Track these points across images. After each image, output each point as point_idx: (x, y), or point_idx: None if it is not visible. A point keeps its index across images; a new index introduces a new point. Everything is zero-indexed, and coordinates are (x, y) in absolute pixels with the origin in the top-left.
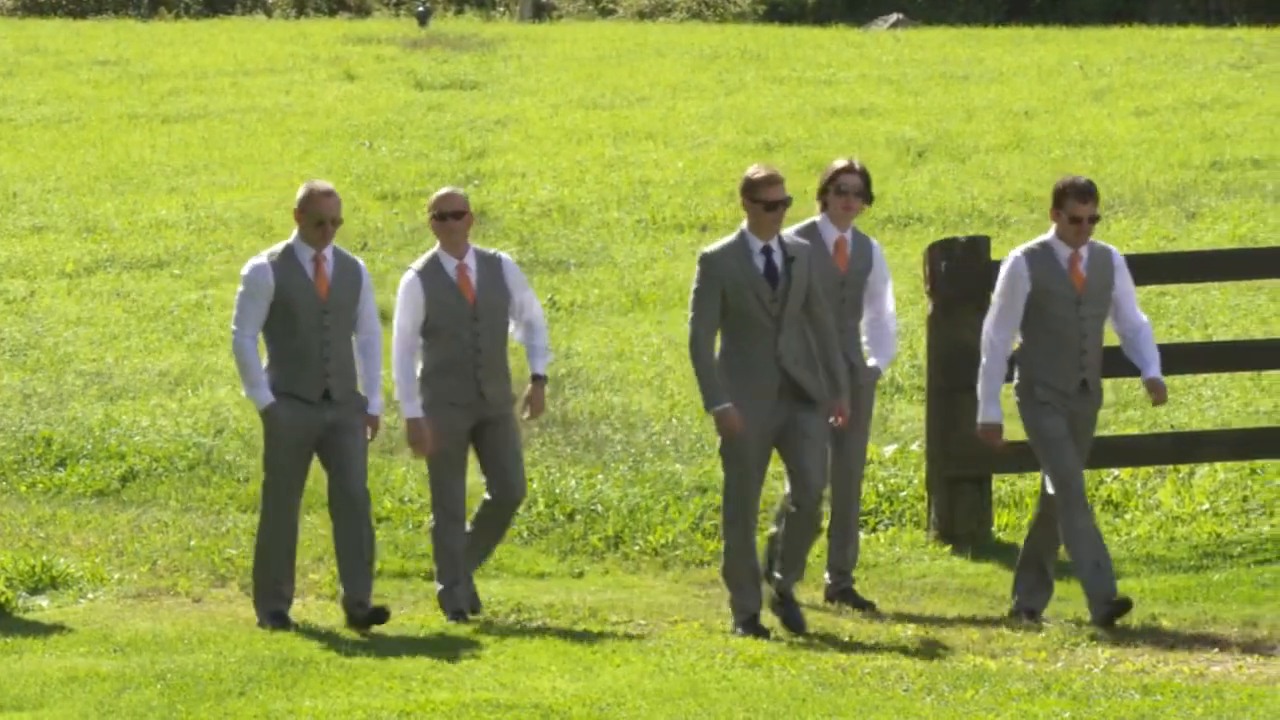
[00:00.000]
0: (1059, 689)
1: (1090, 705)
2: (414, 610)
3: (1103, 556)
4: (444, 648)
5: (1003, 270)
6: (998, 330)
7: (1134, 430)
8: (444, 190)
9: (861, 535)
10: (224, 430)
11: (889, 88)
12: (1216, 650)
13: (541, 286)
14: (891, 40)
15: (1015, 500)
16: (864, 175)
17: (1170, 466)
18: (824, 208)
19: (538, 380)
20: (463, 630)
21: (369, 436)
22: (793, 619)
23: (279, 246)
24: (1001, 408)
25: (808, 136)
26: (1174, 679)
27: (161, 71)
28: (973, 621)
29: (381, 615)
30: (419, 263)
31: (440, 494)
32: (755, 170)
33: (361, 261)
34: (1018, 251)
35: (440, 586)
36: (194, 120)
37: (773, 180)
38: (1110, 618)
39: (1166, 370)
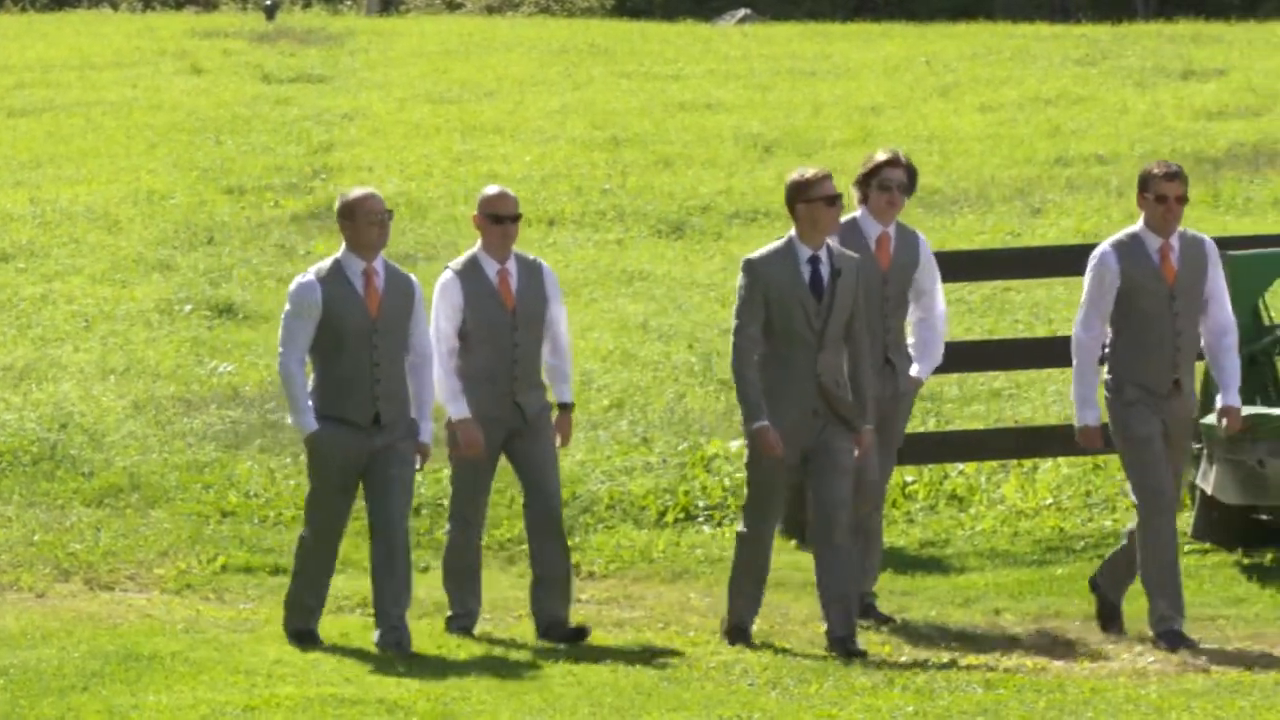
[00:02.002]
0: (903, 683)
1: (934, 699)
2: (259, 605)
3: (1174, 578)
4: (289, 643)
5: (1089, 264)
6: (1086, 329)
7: (979, 425)
8: (496, 190)
9: (707, 529)
10: (68, 425)
11: (736, 83)
12: (1059, 644)
13: None
14: (739, 35)
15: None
16: (909, 169)
17: (1014, 461)
18: (863, 200)
19: (566, 409)
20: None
21: (418, 466)
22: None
23: (326, 262)
24: (1098, 408)
25: (655, 131)
26: (1017, 673)
27: (6, 65)
28: (818, 616)
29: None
30: (457, 263)
31: (461, 504)
32: (804, 170)
33: (414, 277)
34: (1106, 244)
35: (450, 613)
36: (39, 114)
37: (826, 176)
38: (1172, 642)
39: (1010, 365)
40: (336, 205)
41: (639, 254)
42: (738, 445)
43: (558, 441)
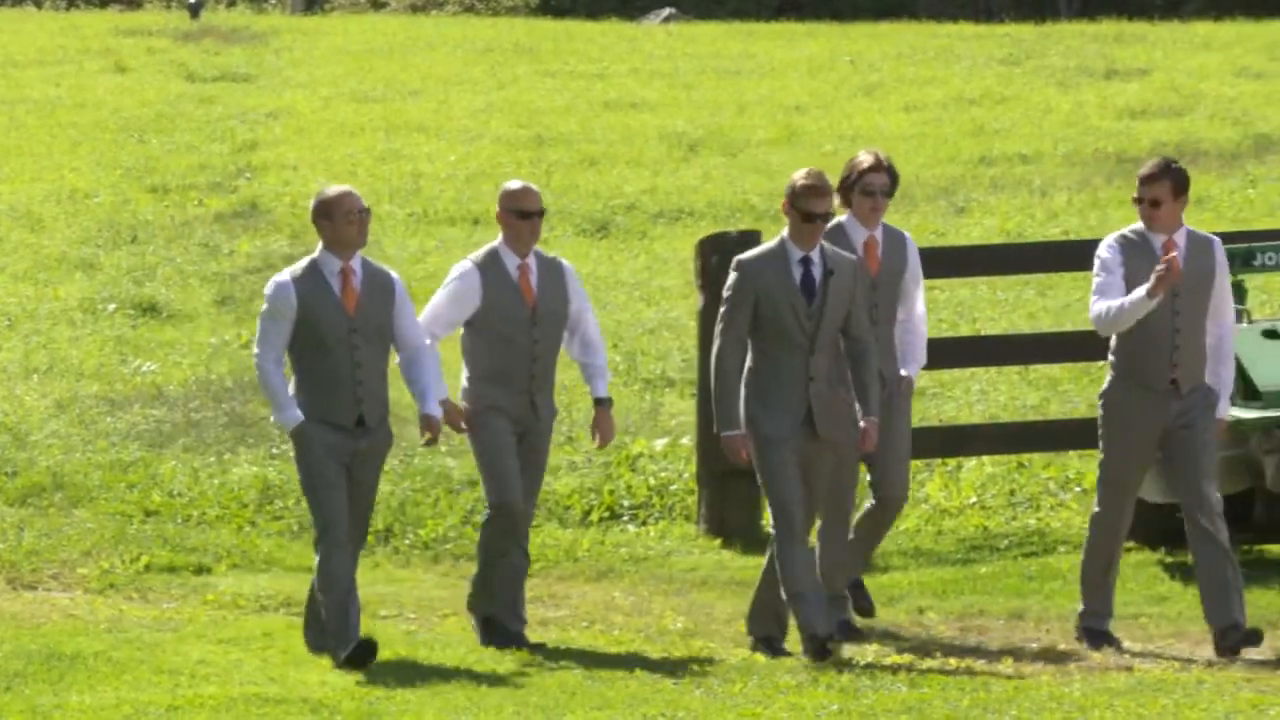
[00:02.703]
0: (827, 681)
1: (858, 697)
2: (182, 604)
3: (1109, 578)
4: (213, 642)
5: (1097, 255)
6: (1102, 301)
7: None
8: (519, 184)
9: (631, 528)
10: None
11: (661, 82)
12: (983, 642)
13: None
14: (664, 34)
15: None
16: (891, 171)
17: (938, 460)
18: (846, 205)
19: (603, 404)
20: (229, 630)
21: (425, 440)
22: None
23: (303, 262)
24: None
25: (580, 130)
26: (941, 671)
27: None
28: (742, 614)
29: (369, 650)
30: (477, 255)
31: (493, 483)
32: (801, 176)
33: (395, 274)
34: (1110, 236)
35: (469, 592)
36: None
37: (817, 191)
38: (1094, 640)
39: (934, 364)
40: (312, 205)
41: (563, 253)
42: (662, 444)
43: (597, 440)
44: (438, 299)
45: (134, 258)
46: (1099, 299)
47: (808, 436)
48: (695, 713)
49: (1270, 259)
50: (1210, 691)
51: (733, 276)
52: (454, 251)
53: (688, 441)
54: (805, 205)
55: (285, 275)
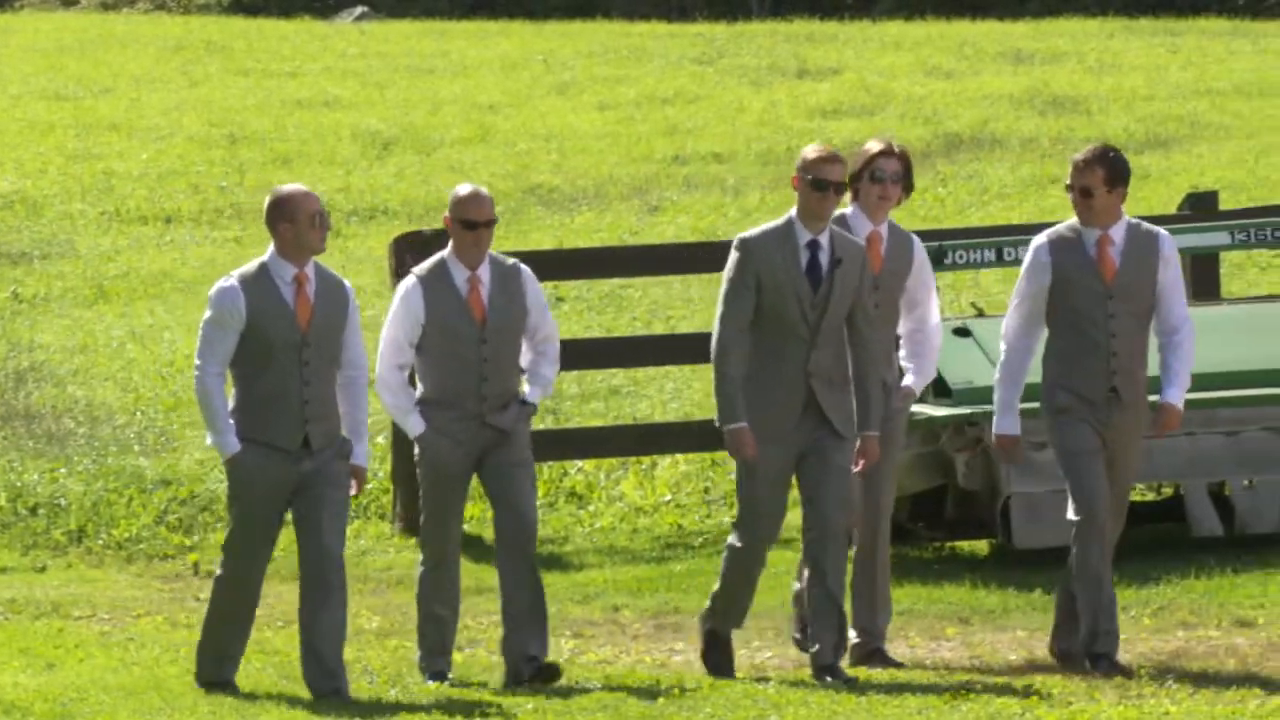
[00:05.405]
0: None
1: (553, 696)
2: None
3: (1108, 602)
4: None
5: (1025, 258)
6: (1012, 327)
7: (598, 422)
8: (469, 189)
9: None
10: None
11: (354, 80)
12: (679, 640)
13: (4, 279)
14: (356, 33)
15: (480, 494)
16: (904, 159)
17: (633, 458)
18: (855, 197)
19: (525, 405)
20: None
21: (353, 491)
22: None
23: (251, 265)
24: (1018, 418)
25: (273, 129)
26: (636, 669)
27: None
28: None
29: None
30: (422, 267)
31: (430, 534)
32: (813, 148)
33: (348, 283)
34: (1042, 236)
35: (419, 652)
36: None
37: (832, 159)
38: (1106, 669)
39: (630, 363)
40: (268, 203)
41: (258, 252)
42: (382, 440)
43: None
44: (389, 326)
45: None
46: (1009, 323)
47: (805, 431)
48: (389, 714)
49: (961, 257)
50: (905, 689)
51: (734, 256)
52: (146, 250)
53: (383, 440)
54: (814, 172)
55: (232, 279)
